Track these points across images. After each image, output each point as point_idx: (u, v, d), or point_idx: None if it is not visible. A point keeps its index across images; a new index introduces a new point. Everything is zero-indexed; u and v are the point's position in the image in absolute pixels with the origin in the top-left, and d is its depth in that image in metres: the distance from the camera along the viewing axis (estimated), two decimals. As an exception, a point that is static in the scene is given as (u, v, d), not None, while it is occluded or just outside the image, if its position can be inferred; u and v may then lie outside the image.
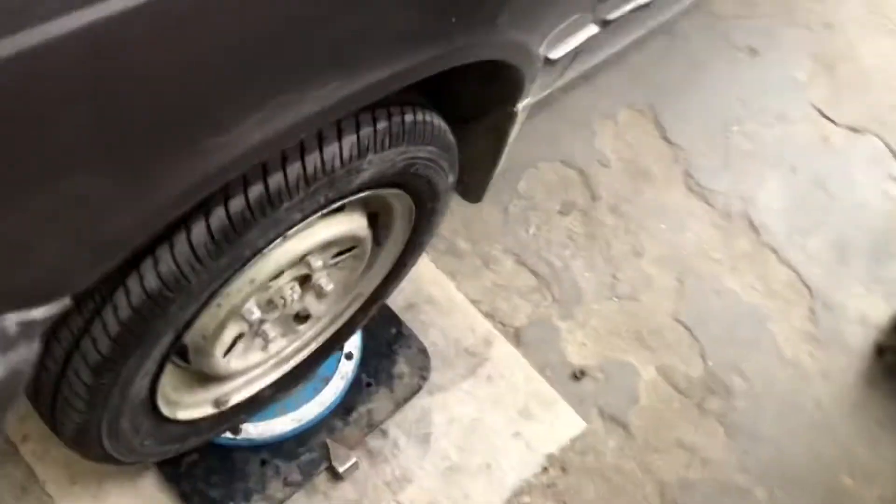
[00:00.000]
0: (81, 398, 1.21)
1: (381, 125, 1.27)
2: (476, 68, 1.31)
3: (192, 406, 1.57)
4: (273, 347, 1.67)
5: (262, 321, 1.55)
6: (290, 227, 1.26)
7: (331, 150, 1.20)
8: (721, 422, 2.21)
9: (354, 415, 1.93)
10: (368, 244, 1.59)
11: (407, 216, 1.62)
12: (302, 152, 1.18)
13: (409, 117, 1.33)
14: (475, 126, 1.71)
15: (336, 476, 1.87)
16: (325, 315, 1.72)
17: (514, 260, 2.38)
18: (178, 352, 1.45)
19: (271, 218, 1.17)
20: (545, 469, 2.04)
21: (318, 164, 1.19)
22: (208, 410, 1.62)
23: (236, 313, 1.41)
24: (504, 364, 2.16)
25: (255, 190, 1.14)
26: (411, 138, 1.34)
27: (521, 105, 1.58)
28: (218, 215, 1.13)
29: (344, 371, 1.94)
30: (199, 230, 1.12)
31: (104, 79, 0.77)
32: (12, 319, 0.92)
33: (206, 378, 1.57)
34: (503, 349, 2.18)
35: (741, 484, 2.13)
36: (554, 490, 2.02)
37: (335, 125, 1.21)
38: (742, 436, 2.20)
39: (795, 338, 2.41)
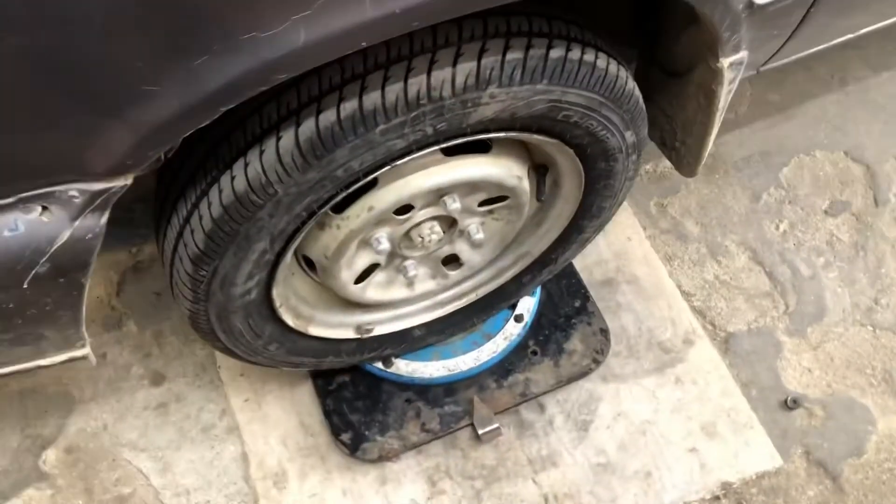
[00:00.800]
0: (187, 286, 1.27)
1: (513, 55, 1.13)
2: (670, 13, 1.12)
3: (329, 325, 1.58)
4: (420, 287, 1.62)
5: (399, 256, 1.50)
6: (398, 156, 1.17)
7: (440, 74, 1.09)
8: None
9: (510, 379, 1.82)
10: (524, 197, 1.45)
11: (575, 174, 1.45)
12: (407, 73, 1.09)
13: (555, 52, 1.16)
14: (684, 83, 1.47)
15: (478, 436, 1.79)
16: (480, 266, 1.62)
17: (749, 256, 2.04)
18: (308, 265, 1.47)
19: (364, 139, 1.10)
20: (717, 498, 1.75)
21: (423, 89, 1.09)
22: (349, 334, 1.63)
23: (362, 240, 1.38)
24: (700, 370, 1.88)
25: (349, 106, 1.08)
26: (555, 77, 1.17)
27: (728, 61, 1.31)
28: (308, 126, 1.09)
29: (509, 332, 1.83)
30: (287, 139, 1.09)
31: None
32: (76, 188, 0.98)
33: (348, 302, 1.57)
34: (704, 353, 1.89)
35: None
36: (719, 525, 1.73)
37: (454, 47, 1.10)
38: None
39: None
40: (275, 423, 1.81)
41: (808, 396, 1.85)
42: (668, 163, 1.81)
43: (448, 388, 1.81)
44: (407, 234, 1.45)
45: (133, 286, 1.99)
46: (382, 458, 1.74)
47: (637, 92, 1.34)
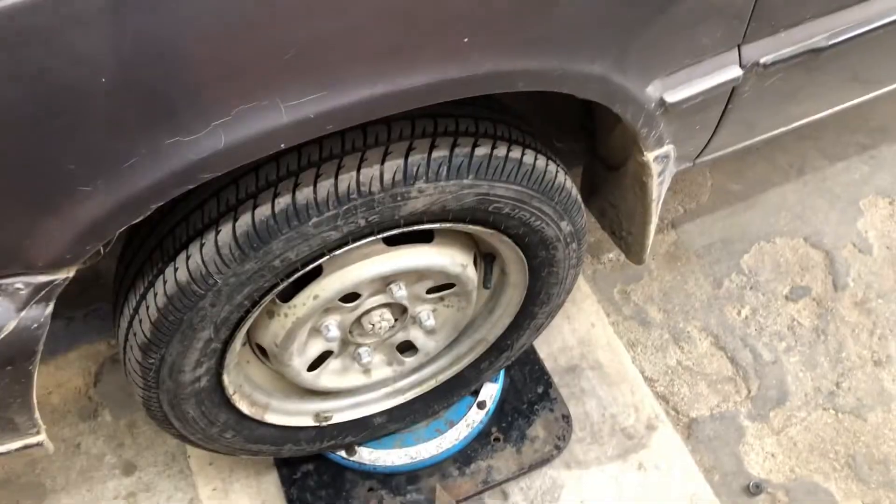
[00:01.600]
0: (138, 374, 1.32)
1: (439, 153, 1.21)
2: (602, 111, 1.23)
3: (286, 413, 1.62)
4: (377, 374, 1.66)
5: (352, 343, 1.55)
6: (334, 247, 1.24)
7: (369, 171, 1.17)
8: None
9: (473, 466, 1.83)
10: (470, 285, 1.51)
11: (519, 262, 1.51)
12: (338, 170, 1.17)
13: (481, 150, 1.25)
14: (621, 176, 1.55)
15: (439, 525, 1.79)
16: (435, 352, 1.67)
17: (711, 342, 2.07)
18: (262, 353, 1.52)
19: (298, 231, 1.18)
20: (680, 586, 1.73)
21: (353, 184, 1.17)
22: (307, 422, 1.66)
23: (312, 328, 1.44)
24: (663, 455, 1.88)
25: (282, 201, 1.16)
26: (481, 172, 1.25)
27: (653, 155, 1.39)
28: (245, 220, 1.16)
29: (472, 419, 1.85)
30: (225, 232, 1.17)
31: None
32: (21, 281, 1.05)
33: (305, 390, 1.61)
34: (667, 439, 1.91)
35: None
36: None
37: (383, 146, 1.18)
38: None
39: None
40: (240, 513, 1.82)
41: (771, 481, 1.84)
42: (629, 251, 1.87)
43: (410, 476, 1.82)
44: (358, 321, 1.50)
45: (110, 376, 2.04)
46: (344, 547, 1.75)
47: (569, 184, 1.41)
